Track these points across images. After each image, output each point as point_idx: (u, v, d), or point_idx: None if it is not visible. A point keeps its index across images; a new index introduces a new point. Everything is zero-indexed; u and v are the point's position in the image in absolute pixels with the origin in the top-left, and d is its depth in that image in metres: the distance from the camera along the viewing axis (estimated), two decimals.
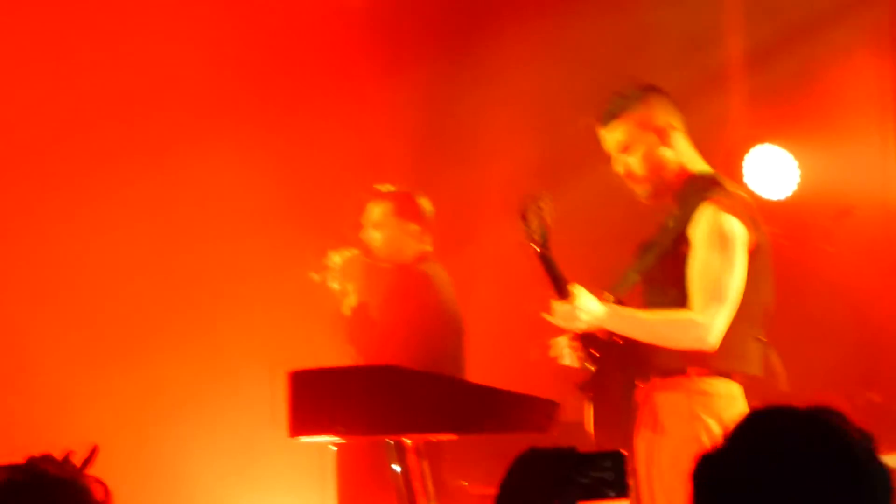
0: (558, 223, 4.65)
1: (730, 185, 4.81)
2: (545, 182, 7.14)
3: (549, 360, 4.82)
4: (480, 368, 6.21)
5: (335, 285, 6.26)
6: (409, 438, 4.51)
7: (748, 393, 4.69)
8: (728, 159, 7.48)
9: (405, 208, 6.30)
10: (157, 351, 7.34)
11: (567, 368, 4.79)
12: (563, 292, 4.63)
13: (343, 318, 6.23)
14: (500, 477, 2.45)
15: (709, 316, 4.57)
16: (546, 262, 4.66)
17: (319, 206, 7.50)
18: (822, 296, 7.00)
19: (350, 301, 6.23)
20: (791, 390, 4.65)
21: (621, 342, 4.70)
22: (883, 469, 2.08)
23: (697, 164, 4.87)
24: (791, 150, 7.52)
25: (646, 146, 4.83)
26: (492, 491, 6.05)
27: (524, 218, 4.67)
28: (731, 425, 2.14)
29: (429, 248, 6.33)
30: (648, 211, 4.99)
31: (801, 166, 7.51)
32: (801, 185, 7.46)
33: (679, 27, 7.88)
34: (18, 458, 2.57)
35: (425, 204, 6.36)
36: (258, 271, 7.40)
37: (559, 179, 7.18)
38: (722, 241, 4.64)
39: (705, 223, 4.66)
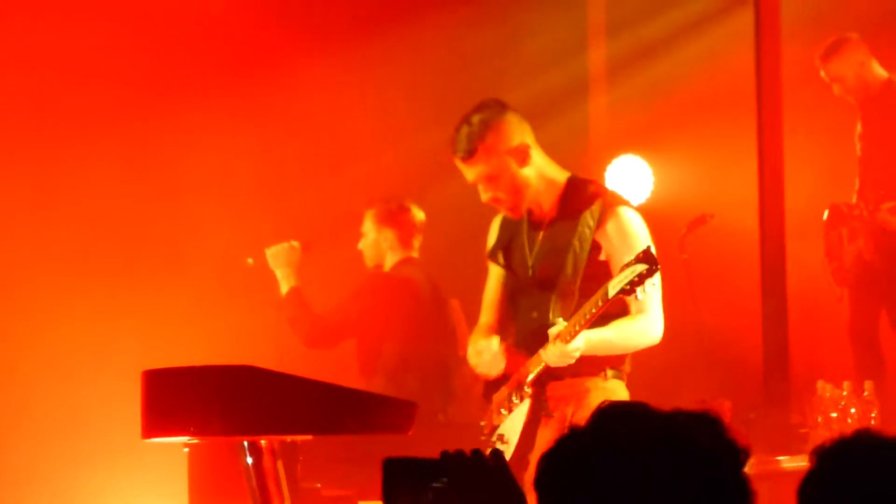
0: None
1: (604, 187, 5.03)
2: (406, 188, 7.17)
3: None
4: None
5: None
6: (265, 439, 4.47)
7: None
8: (590, 167, 7.57)
9: (383, 216, 6.68)
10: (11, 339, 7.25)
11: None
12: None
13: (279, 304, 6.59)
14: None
15: (656, 311, 4.73)
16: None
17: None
18: (676, 303, 7.09)
19: (282, 287, 6.56)
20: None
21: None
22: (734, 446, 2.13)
23: (558, 173, 4.94)
24: (651, 159, 7.61)
25: (506, 172, 4.85)
26: (345, 493, 6.00)
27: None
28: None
29: (414, 254, 6.66)
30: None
31: (661, 175, 7.60)
32: (661, 194, 7.55)
33: (544, 35, 7.94)
34: None
35: (412, 213, 6.71)
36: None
37: (422, 187, 7.20)
38: (638, 238, 4.76)
39: (620, 225, 4.79)
